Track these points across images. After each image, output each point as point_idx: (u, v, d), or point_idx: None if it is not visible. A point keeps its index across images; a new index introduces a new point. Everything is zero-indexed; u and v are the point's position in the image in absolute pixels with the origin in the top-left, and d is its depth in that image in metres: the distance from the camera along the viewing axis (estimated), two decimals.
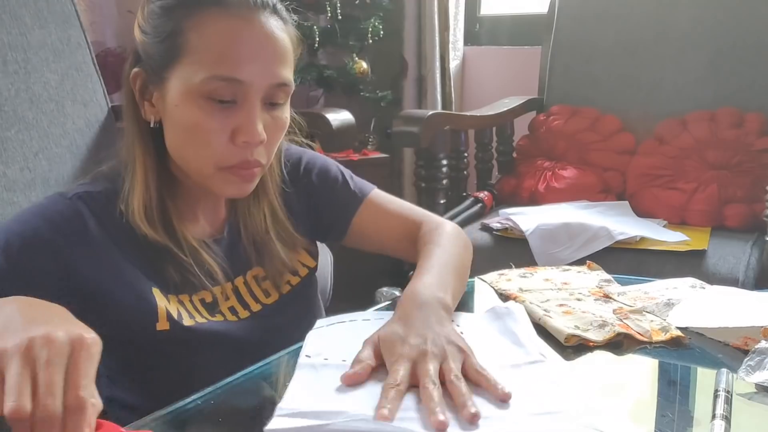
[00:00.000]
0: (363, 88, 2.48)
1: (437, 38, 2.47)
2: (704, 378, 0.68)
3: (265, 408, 0.58)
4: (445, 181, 1.74)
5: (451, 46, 2.51)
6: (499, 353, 0.67)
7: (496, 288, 0.90)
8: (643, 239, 1.48)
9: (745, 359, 0.66)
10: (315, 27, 2.36)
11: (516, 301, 0.83)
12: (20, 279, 0.71)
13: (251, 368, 0.69)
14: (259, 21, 0.74)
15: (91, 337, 0.50)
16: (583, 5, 2.11)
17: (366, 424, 0.53)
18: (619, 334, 0.73)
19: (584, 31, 2.09)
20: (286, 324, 0.84)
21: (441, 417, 0.54)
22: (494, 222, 1.63)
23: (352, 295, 1.15)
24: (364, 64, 2.43)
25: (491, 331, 0.73)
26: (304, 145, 0.94)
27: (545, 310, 0.78)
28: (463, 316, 0.78)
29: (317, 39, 2.35)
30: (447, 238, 0.87)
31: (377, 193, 0.95)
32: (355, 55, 2.43)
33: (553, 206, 1.74)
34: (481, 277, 0.95)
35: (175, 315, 0.75)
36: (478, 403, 0.57)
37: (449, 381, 0.60)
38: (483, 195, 1.86)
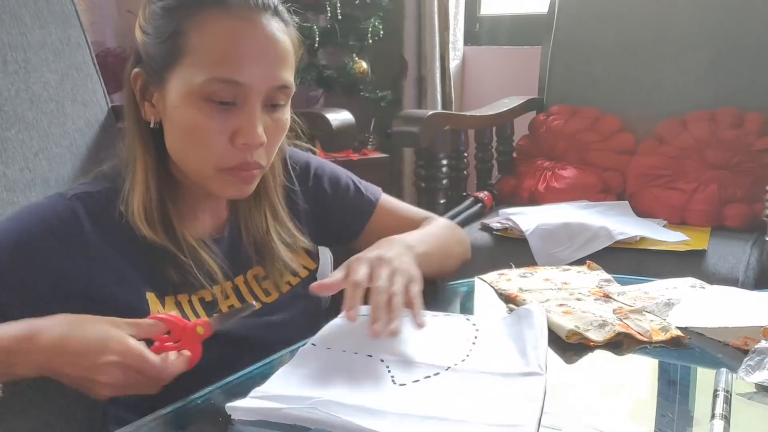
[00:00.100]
0: (363, 88, 2.48)
1: (437, 38, 2.47)
2: (704, 378, 0.68)
3: (282, 426, 0.57)
4: (445, 181, 1.74)
5: (451, 46, 2.51)
6: (500, 361, 0.66)
7: (496, 288, 0.90)
8: (643, 239, 1.48)
9: (745, 359, 0.66)
10: (315, 27, 2.36)
11: (516, 301, 0.83)
12: (13, 280, 0.71)
13: (251, 368, 0.69)
14: (260, 23, 0.73)
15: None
16: (583, 5, 2.11)
17: (318, 414, 0.55)
18: (619, 334, 0.73)
19: (584, 31, 2.09)
20: (286, 322, 0.84)
21: (379, 327, 0.67)
22: (494, 222, 1.63)
23: None
24: (364, 64, 2.43)
25: (504, 336, 0.72)
26: (304, 147, 0.94)
27: (545, 310, 0.78)
28: (483, 320, 0.78)
29: (317, 39, 2.35)
30: (438, 225, 0.97)
31: (386, 197, 1.00)
32: (355, 55, 2.43)
33: (553, 206, 1.74)
34: (481, 277, 0.95)
35: None
36: (446, 404, 0.58)
37: (392, 293, 0.70)
38: (483, 195, 1.86)
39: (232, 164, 0.75)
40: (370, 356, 0.67)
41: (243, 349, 0.73)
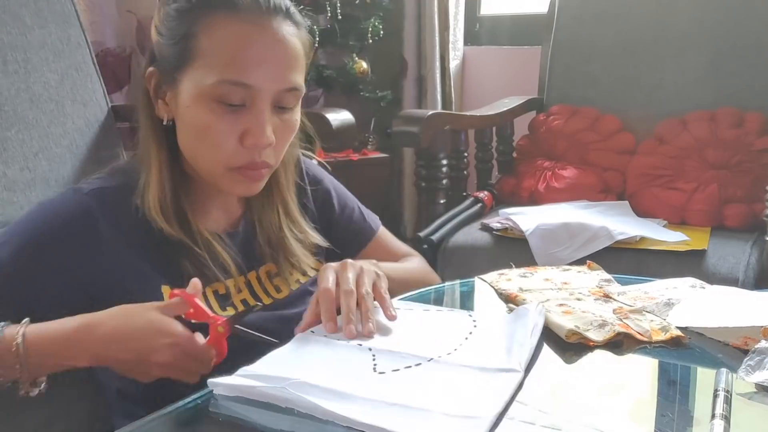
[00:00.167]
0: (363, 88, 2.48)
1: (437, 38, 2.47)
2: (704, 378, 0.68)
3: (288, 410, 0.58)
4: (445, 181, 1.74)
5: (451, 46, 2.51)
6: (484, 356, 0.67)
7: (496, 288, 0.90)
8: (643, 239, 1.48)
9: (745, 359, 0.66)
10: (315, 27, 2.36)
11: (516, 301, 0.83)
12: (28, 276, 0.73)
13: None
14: (270, 26, 0.75)
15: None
16: (583, 5, 2.11)
17: (288, 394, 0.57)
18: (619, 334, 0.73)
19: (584, 31, 2.09)
20: (298, 316, 0.85)
21: (351, 328, 0.69)
22: (494, 222, 1.63)
23: None
24: (364, 64, 2.43)
25: (498, 334, 0.72)
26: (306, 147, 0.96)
27: (546, 309, 0.78)
28: (484, 316, 0.79)
29: (317, 39, 2.35)
30: (412, 261, 1.04)
31: (383, 229, 1.04)
32: (355, 55, 2.43)
33: (553, 206, 1.74)
34: (481, 277, 0.95)
35: None
36: (415, 393, 0.59)
37: (361, 295, 0.73)
38: (483, 195, 1.86)
39: (241, 163, 0.76)
40: (360, 345, 0.69)
41: (238, 344, 0.74)
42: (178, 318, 0.69)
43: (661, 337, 0.73)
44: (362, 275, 0.75)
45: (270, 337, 0.72)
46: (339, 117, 1.51)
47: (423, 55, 2.50)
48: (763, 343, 0.67)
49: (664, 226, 1.62)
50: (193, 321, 0.70)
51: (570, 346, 0.72)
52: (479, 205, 1.83)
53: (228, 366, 0.66)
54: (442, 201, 1.75)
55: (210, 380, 0.61)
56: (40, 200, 0.79)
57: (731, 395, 0.60)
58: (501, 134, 2.11)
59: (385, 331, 0.73)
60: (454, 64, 2.54)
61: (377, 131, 2.51)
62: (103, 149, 1.32)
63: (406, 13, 2.49)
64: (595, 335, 0.72)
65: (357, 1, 2.40)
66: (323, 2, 2.35)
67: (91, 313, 0.69)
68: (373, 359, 0.66)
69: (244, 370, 0.63)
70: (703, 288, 0.88)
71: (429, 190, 1.73)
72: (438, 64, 2.49)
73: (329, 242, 0.95)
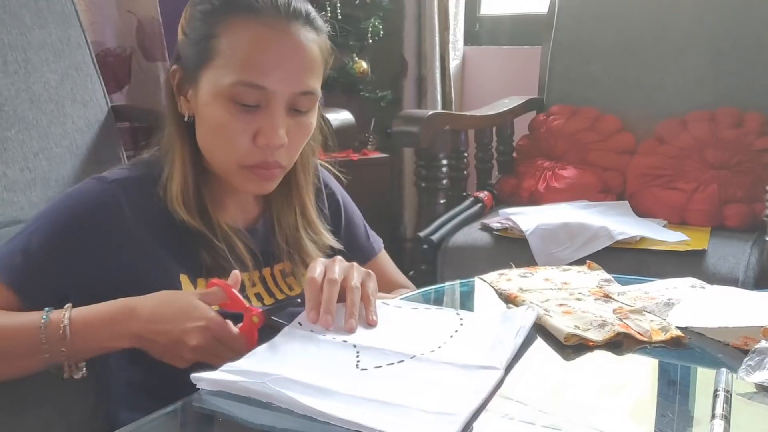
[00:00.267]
0: (363, 88, 2.48)
1: (437, 38, 2.47)
2: (704, 378, 0.68)
3: (269, 405, 0.58)
4: (445, 181, 1.74)
5: (451, 46, 2.50)
6: (467, 354, 0.67)
7: (496, 288, 0.90)
8: (643, 239, 1.48)
9: (745, 359, 0.66)
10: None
11: (516, 301, 0.83)
12: (59, 263, 0.76)
13: None
14: (289, 30, 0.77)
15: None
16: (583, 5, 2.11)
17: (268, 389, 0.58)
18: (619, 334, 0.73)
19: (584, 31, 2.09)
20: None
21: (328, 319, 0.70)
22: (494, 222, 1.63)
23: None
24: (364, 64, 2.43)
25: (484, 333, 0.73)
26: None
27: (545, 310, 0.78)
28: (472, 315, 0.79)
29: None
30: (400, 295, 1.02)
31: (385, 254, 1.06)
32: (355, 55, 2.43)
33: (553, 206, 1.74)
34: (481, 277, 0.95)
35: None
36: (395, 390, 0.60)
37: (349, 288, 0.73)
38: (483, 195, 1.86)
39: (253, 162, 0.79)
40: (345, 341, 0.70)
41: (270, 336, 0.75)
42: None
43: (661, 337, 0.73)
44: (352, 270, 0.76)
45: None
46: (339, 117, 1.51)
47: (423, 55, 2.50)
48: (763, 343, 0.67)
49: (664, 226, 1.62)
50: (229, 311, 0.72)
51: (570, 345, 0.72)
52: (479, 205, 1.83)
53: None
54: (442, 201, 1.75)
55: (193, 375, 0.62)
56: (66, 191, 0.82)
57: (731, 395, 0.60)
58: (501, 134, 2.11)
59: (370, 327, 0.73)
60: (454, 64, 2.53)
61: (377, 131, 2.51)
62: (103, 149, 1.32)
63: (406, 13, 2.49)
64: (595, 335, 0.72)
65: (357, 1, 2.39)
66: (323, 2, 2.35)
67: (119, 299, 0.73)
68: (357, 356, 0.67)
69: (229, 365, 0.63)
70: (703, 288, 0.88)
71: (429, 190, 1.73)
72: (438, 64, 2.49)
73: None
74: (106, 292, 0.74)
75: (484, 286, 0.92)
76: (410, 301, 0.86)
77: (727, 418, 0.56)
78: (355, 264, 0.78)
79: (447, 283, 0.96)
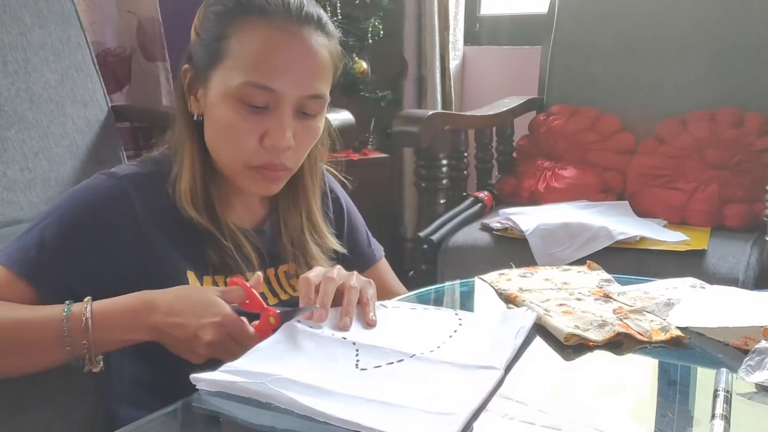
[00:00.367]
0: (363, 88, 2.48)
1: (437, 38, 2.47)
2: (704, 378, 0.68)
3: (269, 405, 0.58)
4: (445, 181, 1.74)
5: (451, 46, 2.50)
6: (467, 354, 0.67)
7: (496, 288, 0.90)
8: (643, 239, 1.48)
9: (745, 359, 0.66)
10: None
11: (516, 301, 0.83)
12: (73, 256, 0.77)
13: None
14: (299, 34, 0.78)
15: None
16: (583, 5, 2.11)
17: (267, 389, 0.58)
18: (619, 334, 0.73)
19: (584, 31, 2.09)
20: None
21: (322, 313, 0.70)
22: (494, 222, 1.63)
23: None
24: (364, 64, 2.43)
25: (483, 333, 0.73)
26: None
27: (545, 310, 0.78)
28: (471, 316, 0.79)
29: None
30: None
31: (385, 262, 1.05)
32: (355, 55, 2.43)
33: (553, 206, 1.74)
34: (481, 277, 0.95)
35: None
36: (395, 390, 0.60)
37: (347, 288, 0.74)
38: (483, 195, 1.86)
39: (259, 163, 0.80)
40: (344, 339, 0.69)
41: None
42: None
43: (661, 337, 0.73)
44: (351, 276, 0.76)
45: None
46: (339, 117, 1.51)
47: (423, 55, 2.50)
48: (763, 343, 0.67)
49: (664, 226, 1.62)
50: (247, 311, 0.73)
51: (570, 345, 0.72)
52: (479, 205, 1.83)
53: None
54: (442, 201, 1.75)
55: (193, 375, 0.61)
56: (76, 186, 0.82)
57: (731, 395, 0.60)
58: (501, 134, 2.11)
59: (370, 327, 0.73)
60: (454, 64, 2.53)
61: (377, 131, 2.51)
62: (103, 149, 1.32)
63: (406, 13, 2.49)
64: (595, 335, 0.72)
65: (357, 1, 2.39)
66: (323, 2, 2.35)
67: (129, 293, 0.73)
68: (356, 354, 0.67)
69: (228, 365, 0.63)
70: (703, 288, 0.88)
71: (429, 190, 1.73)
72: (438, 64, 2.49)
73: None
74: (113, 286, 0.74)
75: (484, 286, 0.92)
76: (407, 302, 0.86)
77: (727, 418, 0.56)
78: (355, 272, 0.78)
79: (447, 283, 0.96)
